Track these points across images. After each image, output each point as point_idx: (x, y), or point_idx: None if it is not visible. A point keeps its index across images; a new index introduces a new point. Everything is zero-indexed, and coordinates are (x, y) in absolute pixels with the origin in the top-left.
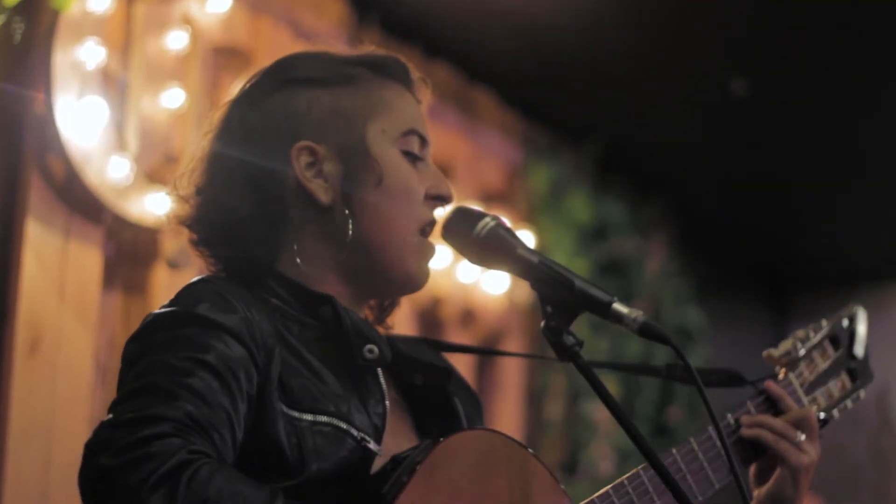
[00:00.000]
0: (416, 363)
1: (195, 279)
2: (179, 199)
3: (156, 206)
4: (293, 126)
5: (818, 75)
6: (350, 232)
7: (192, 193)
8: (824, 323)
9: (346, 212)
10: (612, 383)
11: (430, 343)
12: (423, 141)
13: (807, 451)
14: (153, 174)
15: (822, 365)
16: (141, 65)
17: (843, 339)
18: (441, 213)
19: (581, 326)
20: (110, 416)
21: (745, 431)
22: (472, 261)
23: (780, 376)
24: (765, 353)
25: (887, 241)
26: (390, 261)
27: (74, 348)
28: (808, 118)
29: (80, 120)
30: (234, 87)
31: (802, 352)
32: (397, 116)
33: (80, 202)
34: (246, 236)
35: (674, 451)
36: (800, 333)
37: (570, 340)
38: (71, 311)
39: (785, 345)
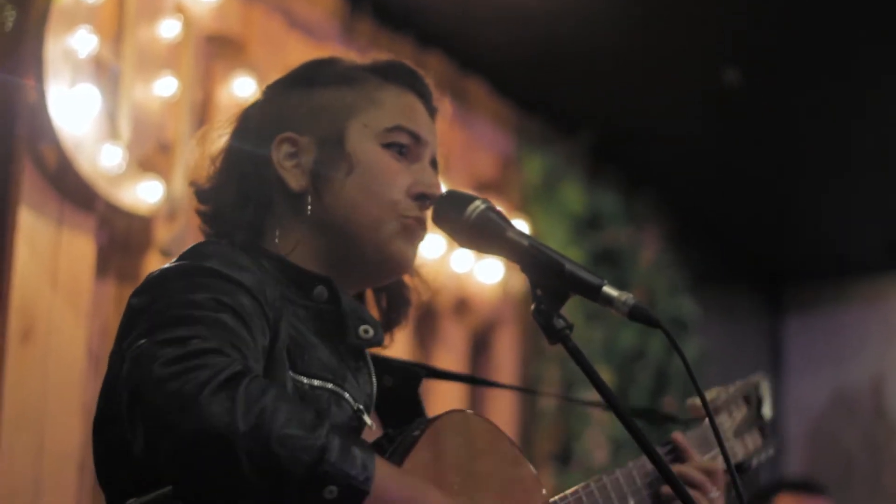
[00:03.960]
0: (388, 366)
1: (201, 242)
2: (201, 176)
3: (148, 195)
4: (283, 120)
5: (812, 65)
6: (308, 209)
7: (209, 175)
8: (738, 383)
9: (309, 198)
10: (605, 372)
11: (426, 370)
12: (416, 138)
13: None
14: (146, 162)
15: (739, 417)
16: (133, 53)
17: (752, 400)
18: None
19: (575, 316)
20: (143, 340)
21: (665, 489)
22: (462, 244)
23: (706, 422)
24: (689, 401)
25: (880, 232)
26: (365, 245)
27: (67, 336)
28: (802, 108)
29: (73, 108)
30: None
31: (722, 403)
32: (384, 113)
33: (72, 190)
34: (231, 220)
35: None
36: (716, 390)
37: (560, 323)
38: (63, 299)
39: (708, 394)
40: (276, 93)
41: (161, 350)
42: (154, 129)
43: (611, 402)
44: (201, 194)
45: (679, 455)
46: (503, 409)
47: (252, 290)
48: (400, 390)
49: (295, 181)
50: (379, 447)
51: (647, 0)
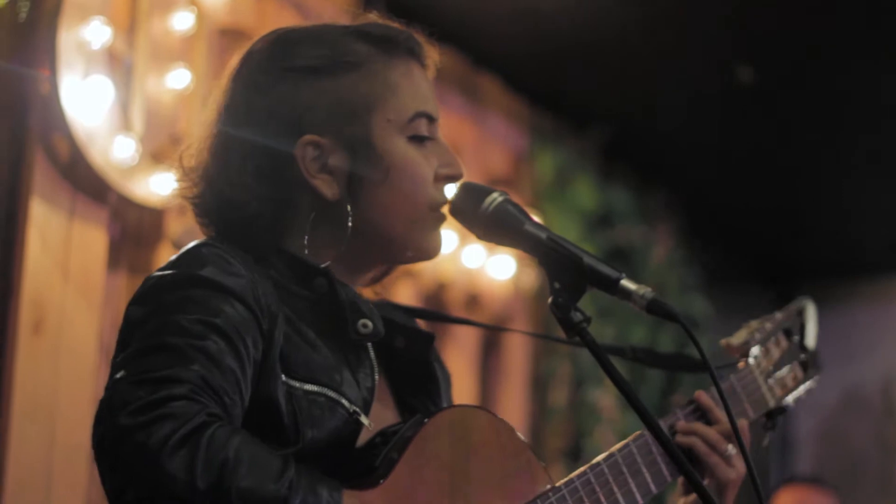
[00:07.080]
0: (399, 327)
1: (196, 243)
2: (184, 178)
3: (161, 187)
4: (298, 118)
5: (824, 63)
6: (349, 226)
7: (199, 175)
8: (777, 315)
9: (349, 207)
10: (617, 368)
11: (408, 310)
12: (431, 119)
13: (735, 465)
14: (158, 155)
15: (776, 355)
16: (146, 45)
17: (794, 330)
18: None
19: (586, 311)
20: (122, 372)
21: (680, 439)
22: (480, 237)
23: (741, 366)
24: (723, 341)
25: (891, 232)
26: (402, 244)
27: (78, 329)
28: (814, 106)
29: (86, 99)
30: (234, 61)
31: (759, 342)
32: (403, 101)
33: (84, 182)
34: (252, 225)
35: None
36: (754, 324)
37: (577, 317)
38: (75, 291)
39: (741, 334)
40: (272, 83)
41: (132, 393)
42: (167, 122)
43: (628, 395)
44: (203, 193)
45: (704, 415)
46: (514, 407)
47: (245, 299)
48: (411, 352)
49: (328, 189)
50: (372, 448)
51: None
